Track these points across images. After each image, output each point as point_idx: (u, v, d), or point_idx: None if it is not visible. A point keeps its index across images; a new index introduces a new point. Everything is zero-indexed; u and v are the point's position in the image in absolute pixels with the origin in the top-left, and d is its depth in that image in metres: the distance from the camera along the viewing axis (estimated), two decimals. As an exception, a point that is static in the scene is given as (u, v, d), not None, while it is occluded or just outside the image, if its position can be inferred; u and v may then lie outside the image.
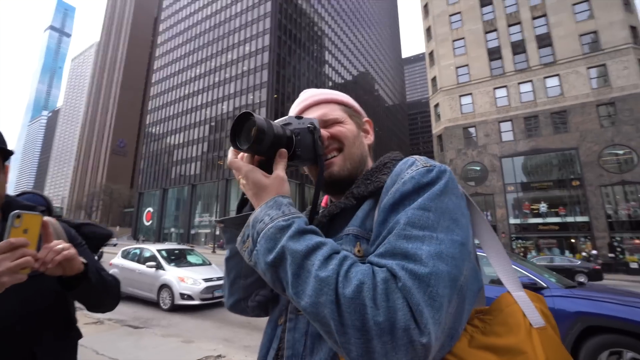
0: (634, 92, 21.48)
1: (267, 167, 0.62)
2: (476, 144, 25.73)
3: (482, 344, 0.51)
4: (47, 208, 1.14)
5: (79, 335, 1.03)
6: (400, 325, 0.41)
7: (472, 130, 26.22)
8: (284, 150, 0.62)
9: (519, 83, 25.04)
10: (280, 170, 0.61)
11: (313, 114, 0.73)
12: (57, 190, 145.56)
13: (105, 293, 0.99)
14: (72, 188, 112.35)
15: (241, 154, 0.64)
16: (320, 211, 0.74)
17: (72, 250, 0.82)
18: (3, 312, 0.83)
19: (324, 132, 0.70)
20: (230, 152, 0.64)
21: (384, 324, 0.42)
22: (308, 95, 0.77)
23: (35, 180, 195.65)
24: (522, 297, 0.57)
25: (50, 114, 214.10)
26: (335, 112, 0.74)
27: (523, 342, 0.51)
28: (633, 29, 22.68)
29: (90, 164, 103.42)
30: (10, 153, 0.91)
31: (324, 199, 0.81)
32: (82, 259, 0.88)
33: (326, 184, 0.71)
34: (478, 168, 25.31)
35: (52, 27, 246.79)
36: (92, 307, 1.00)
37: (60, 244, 0.80)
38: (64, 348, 0.96)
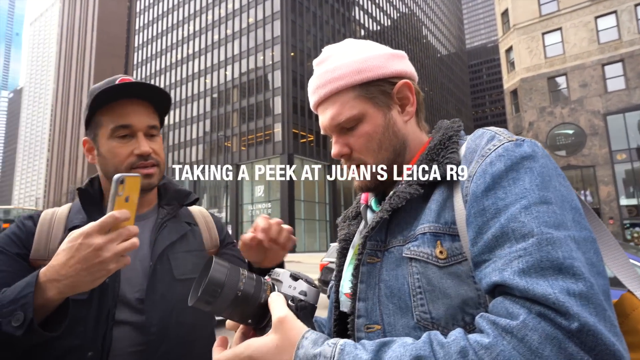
0: None
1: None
2: (568, 99, 24.80)
3: None
4: None
5: None
6: None
7: (561, 80, 25.24)
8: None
9: (637, 5, 23.20)
10: (275, 312, 0.60)
11: (323, 118, 0.80)
12: (29, 190, 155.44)
13: None
14: (47, 186, 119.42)
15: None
16: (369, 206, 0.85)
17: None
18: None
19: (335, 150, 0.78)
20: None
21: None
22: (314, 87, 0.81)
23: (0, 178, 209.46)
24: None
25: (11, 95, 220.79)
26: (347, 107, 0.76)
27: None
28: None
29: (67, 154, 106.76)
30: None
31: (364, 196, 0.89)
32: None
33: (360, 190, 0.80)
34: (571, 132, 24.53)
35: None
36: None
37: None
38: None
